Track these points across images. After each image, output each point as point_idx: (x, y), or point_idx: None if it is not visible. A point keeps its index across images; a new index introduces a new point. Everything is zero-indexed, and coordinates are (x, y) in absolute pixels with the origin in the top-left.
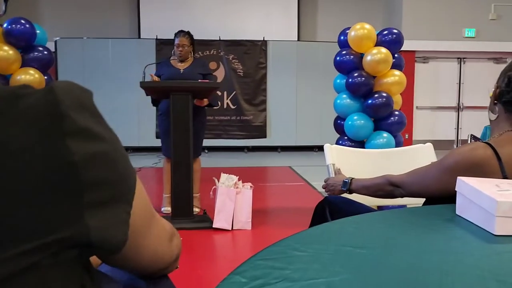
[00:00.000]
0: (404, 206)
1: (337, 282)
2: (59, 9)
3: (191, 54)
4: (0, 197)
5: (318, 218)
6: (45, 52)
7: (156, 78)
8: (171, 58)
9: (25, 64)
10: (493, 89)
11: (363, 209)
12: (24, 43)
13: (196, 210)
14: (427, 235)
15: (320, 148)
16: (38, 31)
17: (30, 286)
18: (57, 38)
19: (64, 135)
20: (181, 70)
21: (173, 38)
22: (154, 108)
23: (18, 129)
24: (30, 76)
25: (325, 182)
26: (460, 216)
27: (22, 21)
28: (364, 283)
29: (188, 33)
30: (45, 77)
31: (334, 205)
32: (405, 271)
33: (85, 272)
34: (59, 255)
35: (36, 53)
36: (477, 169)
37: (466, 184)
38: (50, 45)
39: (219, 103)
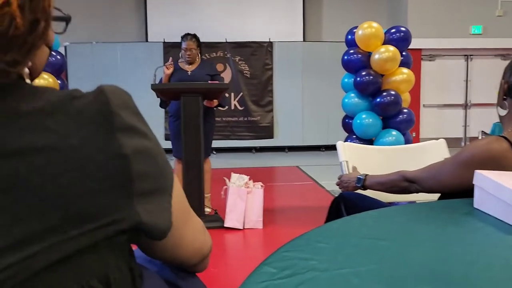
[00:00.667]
0: (413, 202)
1: (364, 272)
2: (68, 14)
3: (198, 56)
4: (66, 184)
5: (333, 214)
6: (58, 57)
7: (170, 65)
8: (179, 61)
9: None
10: (501, 85)
11: (378, 204)
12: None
13: (207, 210)
14: (447, 227)
15: (327, 148)
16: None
17: (90, 263)
18: (67, 43)
19: (115, 130)
20: (189, 72)
21: (180, 41)
22: (163, 110)
23: (76, 125)
24: (45, 80)
25: (339, 179)
26: (478, 210)
27: None
28: (390, 273)
29: (194, 35)
30: (59, 82)
31: (349, 201)
32: (430, 262)
33: (132, 257)
34: (112, 238)
35: (49, 58)
36: (493, 163)
37: (484, 177)
38: (60, 50)
39: (226, 104)
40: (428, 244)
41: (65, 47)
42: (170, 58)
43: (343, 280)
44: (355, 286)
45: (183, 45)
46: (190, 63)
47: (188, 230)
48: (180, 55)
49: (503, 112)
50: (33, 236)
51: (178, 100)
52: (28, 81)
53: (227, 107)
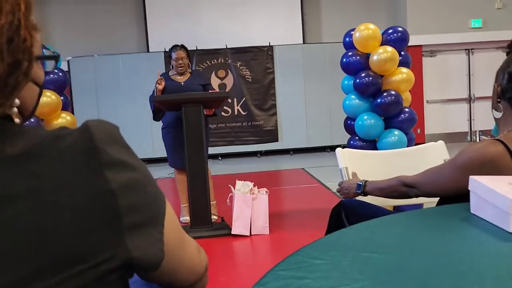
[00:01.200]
0: (420, 205)
1: None
2: (69, 29)
3: (189, 66)
4: (52, 227)
5: (334, 222)
6: (60, 74)
7: (160, 80)
8: (170, 73)
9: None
10: (494, 88)
11: (379, 211)
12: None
13: (214, 217)
14: (443, 236)
15: (332, 148)
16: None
17: None
18: (69, 57)
19: (101, 167)
20: (182, 83)
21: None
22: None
23: (60, 165)
24: (47, 98)
25: (339, 185)
26: (475, 215)
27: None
28: None
29: (183, 46)
30: (62, 98)
31: (350, 209)
32: (422, 275)
33: None
34: (103, 278)
35: (51, 75)
36: (490, 166)
37: (478, 183)
38: (63, 65)
39: (230, 110)
40: (422, 255)
41: (68, 62)
42: (159, 73)
43: None
44: None
45: (173, 56)
46: (182, 73)
47: (184, 254)
48: (171, 66)
49: (498, 115)
50: (22, 283)
51: (178, 110)
52: (17, 120)
53: (230, 112)
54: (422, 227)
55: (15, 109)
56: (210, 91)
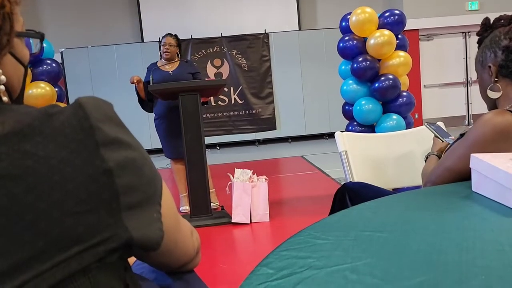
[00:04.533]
0: (420, 186)
1: (361, 266)
2: (62, 20)
3: (177, 56)
4: (48, 208)
5: (338, 205)
6: (54, 65)
7: (135, 79)
8: (158, 62)
9: (35, 78)
10: (484, 69)
11: (382, 193)
12: (33, 58)
13: (213, 205)
14: (445, 214)
15: (330, 135)
16: (44, 45)
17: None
18: (63, 49)
19: (98, 146)
20: (171, 72)
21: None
22: None
23: (55, 144)
24: (42, 89)
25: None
26: (476, 193)
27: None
28: (386, 266)
29: (175, 35)
30: (56, 89)
31: (353, 191)
32: (425, 251)
33: (126, 272)
34: (104, 258)
35: (45, 67)
36: (504, 135)
37: (479, 161)
38: (57, 57)
39: (227, 99)
40: (425, 233)
41: (61, 53)
42: (132, 78)
43: (340, 277)
44: (351, 282)
45: (162, 42)
46: (169, 60)
47: (179, 234)
48: (159, 55)
49: (497, 95)
50: (20, 266)
51: (175, 99)
52: (5, 99)
53: (227, 101)
54: (424, 206)
55: (2, 87)
56: (206, 79)
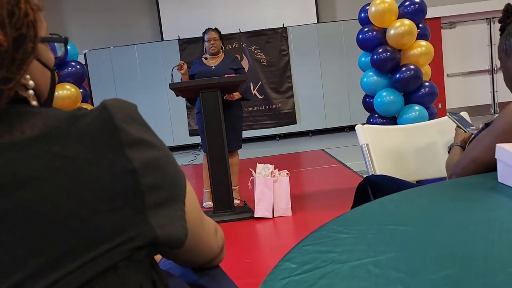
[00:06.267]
0: (444, 178)
1: (384, 260)
2: (84, 22)
3: (222, 49)
4: (77, 208)
5: (360, 198)
6: (78, 66)
7: (184, 66)
8: (203, 56)
9: (61, 80)
10: (511, 58)
11: (405, 185)
12: (58, 60)
13: (236, 202)
14: (470, 206)
15: (351, 128)
16: (69, 47)
17: (110, 286)
18: (86, 50)
19: (122, 146)
20: (213, 67)
21: (194, 36)
22: (185, 107)
23: (82, 145)
24: (67, 91)
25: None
26: (503, 184)
27: None
28: (410, 260)
29: (216, 28)
30: (81, 90)
31: (376, 184)
32: (450, 245)
33: (153, 269)
34: (132, 256)
35: (70, 68)
36: None
37: (505, 151)
38: (80, 58)
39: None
40: (449, 226)
41: (85, 55)
42: (181, 62)
43: (363, 271)
44: (375, 276)
45: (206, 38)
46: (214, 54)
47: (203, 232)
48: (204, 50)
49: None
50: (50, 265)
51: (197, 96)
52: (34, 103)
53: (253, 98)
54: (448, 199)
55: (31, 92)
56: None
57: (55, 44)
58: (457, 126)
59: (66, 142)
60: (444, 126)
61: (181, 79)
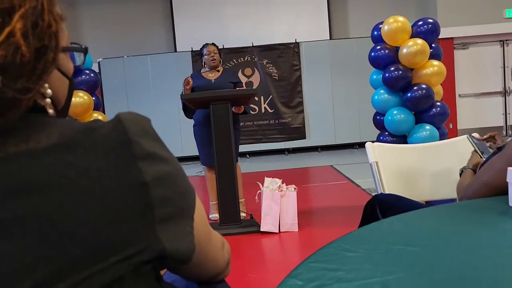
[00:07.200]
0: (454, 199)
1: (391, 281)
2: (100, 31)
3: (220, 63)
4: (87, 218)
5: (368, 217)
6: (92, 75)
7: (190, 81)
8: (202, 70)
9: (74, 87)
10: None
11: (414, 205)
12: (75, 69)
13: (242, 214)
14: (480, 229)
15: (361, 145)
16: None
17: None
18: (100, 59)
19: (135, 159)
20: (213, 81)
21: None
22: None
23: (95, 157)
24: (80, 98)
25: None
26: None
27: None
28: (418, 282)
29: (213, 43)
30: (93, 98)
31: (385, 203)
32: (459, 268)
33: (158, 282)
34: (139, 269)
35: (83, 76)
36: None
37: None
38: (94, 66)
39: (257, 108)
40: (458, 249)
41: (99, 63)
42: (188, 78)
43: None
44: None
45: (205, 51)
46: (214, 68)
47: (211, 248)
48: (202, 64)
49: None
50: (59, 274)
51: (206, 108)
52: (51, 111)
53: (257, 110)
54: (458, 221)
55: (49, 100)
56: (237, 88)
57: (75, 53)
58: (475, 150)
59: (80, 153)
60: (455, 147)
61: (183, 91)
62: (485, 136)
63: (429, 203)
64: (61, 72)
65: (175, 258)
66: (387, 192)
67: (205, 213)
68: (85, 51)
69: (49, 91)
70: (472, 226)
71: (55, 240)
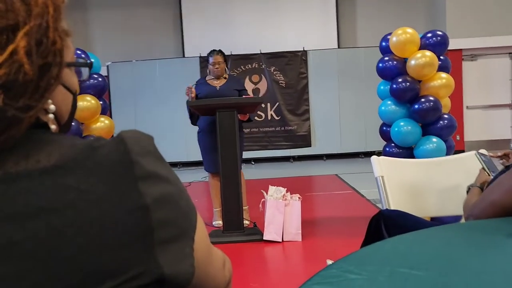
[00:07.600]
0: (459, 216)
1: None
2: (109, 35)
3: (226, 71)
4: (85, 243)
5: (373, 233)
6: (100, 79)
7: (193, 89)
8: (207, 77)
9: (82, 91)
10: None
11: (420, 223)
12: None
13: (245, 222)
14: (487, 253)
15: (366, 155)
16: (92, 60)
17: None
18: (109, 63)
19: (136, 180)
20: (218, 88)
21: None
22: None
23: (96, 179)
24: (87, 102)
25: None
26: None
27: (78, 52)
28: None
29: (220, 51)
30: (101, 102)
31: (390, 219)
32: None
33: None
34: None
35: (91, 81)
36: None
37: None
38: (103, 70)
39: (263, 115)
40: (465, 273)
41: (107, 67)
42: (190, 86)
43: None
44: None
45: (210, 60)
46: (219, 77)
47: (211, 268)
48: (207, 71)
49: None
50: None
51: (212, 115)
52: (53, 127)
53: (263, 117)
54: (465, 242)
55: (52, 116)
56: (244, 96)
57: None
58: (483, 167)
59: (80, 174)
60: (463, 163)
61: (189, 98)
62: (499, 154)
63: (435, 219)
64: (65, 87)
65: (174, 281)
66: (392, 207)
67: (206, 232)
68: (90, 66)
69: (52, 106)
70: (478, 248)
71: (51, 265)
